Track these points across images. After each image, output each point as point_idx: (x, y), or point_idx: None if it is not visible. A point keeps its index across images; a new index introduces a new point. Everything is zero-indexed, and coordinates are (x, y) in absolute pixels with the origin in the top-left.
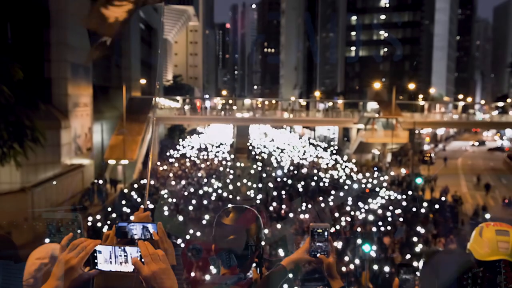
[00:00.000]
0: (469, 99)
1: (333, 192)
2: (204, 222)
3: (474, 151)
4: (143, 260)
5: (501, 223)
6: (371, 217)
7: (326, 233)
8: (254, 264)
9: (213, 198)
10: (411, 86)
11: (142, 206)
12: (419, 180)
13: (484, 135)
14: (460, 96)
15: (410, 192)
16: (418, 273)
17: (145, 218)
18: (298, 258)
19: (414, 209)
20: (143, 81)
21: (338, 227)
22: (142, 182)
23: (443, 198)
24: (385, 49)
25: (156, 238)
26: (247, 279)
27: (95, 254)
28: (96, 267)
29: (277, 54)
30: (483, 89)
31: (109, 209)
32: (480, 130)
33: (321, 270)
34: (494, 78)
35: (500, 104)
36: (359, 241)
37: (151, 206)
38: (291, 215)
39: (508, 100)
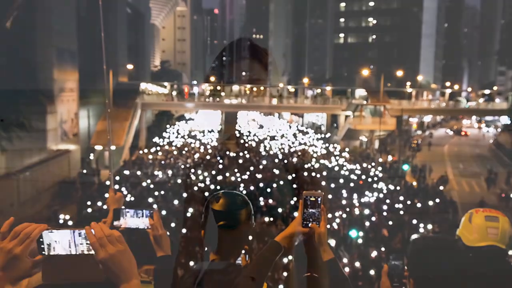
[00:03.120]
0: (456, 87)
1: (323, 183)
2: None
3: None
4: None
5: (491, 209)
6: (366, 211)
7: (319, 200)
8: (243, 251)
9: (195, 188)
10: (399, 73)
11: (111, 190)
12: (406, 167)
13: (464, 123)
14: (448, 84)
15: (407, 183)
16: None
17: (119, 198)
18: (292, 232)
19: (409, 202)
20: (130, 67)
21: (334, 224)
22: (125, 172)
23: (441, 187)
24: (374, 36)
25: (151, 222)
26: (236, 266)
27: (41, 240)
28: (43, 252)
29: (265, 40)
30: (470, 77)
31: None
32: (461, 117)
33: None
34: (481, 65)
35: (487, 91)
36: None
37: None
38: (279, 210)
39: (495, 88)
